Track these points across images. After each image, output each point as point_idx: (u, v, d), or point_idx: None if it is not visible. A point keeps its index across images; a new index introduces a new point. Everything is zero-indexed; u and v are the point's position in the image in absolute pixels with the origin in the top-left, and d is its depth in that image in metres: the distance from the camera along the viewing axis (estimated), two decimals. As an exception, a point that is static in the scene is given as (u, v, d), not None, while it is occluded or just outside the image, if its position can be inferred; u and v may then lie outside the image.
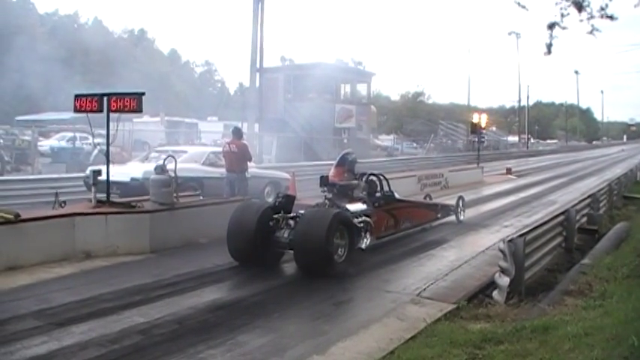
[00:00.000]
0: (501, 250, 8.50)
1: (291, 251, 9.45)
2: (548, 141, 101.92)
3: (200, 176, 14.92)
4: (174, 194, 11.65)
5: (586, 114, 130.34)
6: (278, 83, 37.10)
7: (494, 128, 77.89)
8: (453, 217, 15.06)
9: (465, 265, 10.34)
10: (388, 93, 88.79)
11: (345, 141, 36.67)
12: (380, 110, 63.19)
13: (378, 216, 11.28)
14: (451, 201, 15.71)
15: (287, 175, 17.90)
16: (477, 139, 33.31)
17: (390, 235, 11.97)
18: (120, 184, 13.35)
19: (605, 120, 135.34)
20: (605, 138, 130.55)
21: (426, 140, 53.60)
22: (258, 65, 28.77)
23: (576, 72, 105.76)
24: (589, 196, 15.70)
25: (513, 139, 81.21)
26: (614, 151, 75.61)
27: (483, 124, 32.80)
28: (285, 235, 9.67)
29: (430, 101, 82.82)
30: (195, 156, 15.68)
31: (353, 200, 11.05)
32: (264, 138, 29.87)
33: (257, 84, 29.42)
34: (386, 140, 54.63)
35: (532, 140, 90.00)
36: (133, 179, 13.98)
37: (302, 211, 9.90)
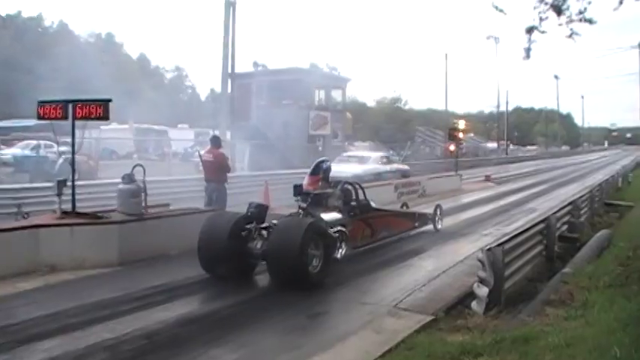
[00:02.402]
0: (480, 260, 8.54)
1: (265, 262, 9.45)
2: (529, 147, 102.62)
3: (380, 171, 26.84)
4: (143, 204, 11.54)
5: (567, 119, 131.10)
6: (251, 89, 37.11)
7: (472, 134, 78.33)
8: (430, 226, 15.19)
9: (443, 275, 10.38)
10: (364, 99, 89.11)
11: (320, 148, 36.75)
12: (355, 117, 63.24)
13: (353, 225, 11.35)
14: (429, 209, 15.83)
15: (407, 167, 28.82)
16: (455, 146, 33.49)
17: (366, 245, 12.04)
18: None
19: (586, 125, 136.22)
20: (586, 144, 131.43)
21: (402, 147, 53.85)
22: (229, 70, 28.73)
23: (556, 77, 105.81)
24: (570, 204, 15.83)
25: (492, 145, 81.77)
26: (595, 157, 76.47)
27: (461, 131, 33.08)
28: (258, 245, 9.66)
29: (407, 107, 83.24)
30: (377, 159, 28.95)
31: (328, 209, 11.11)
32: (237, 146, 29.76)
33: (229, 90, 29.34)
34: (362, 147, 54.77)
35: (512, 146, 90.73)
36: (354, 175, 20.38)
37: (275, 221, 9.92)
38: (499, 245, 8.74)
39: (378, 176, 25.96)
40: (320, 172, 11.76)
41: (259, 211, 10.10)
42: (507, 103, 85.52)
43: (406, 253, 12.44)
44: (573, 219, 15.07)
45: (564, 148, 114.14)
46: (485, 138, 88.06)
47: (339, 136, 41.33)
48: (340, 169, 22.02)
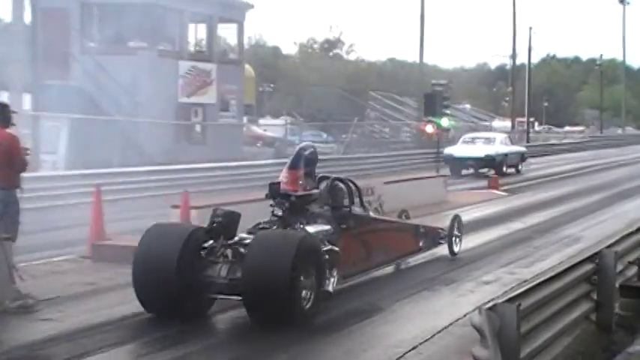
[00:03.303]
0: (477, 327, 8.52)
1: (233, 298, 11.38)
2: (568, 128, 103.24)
3: (506, 152, 43.91)
4: None
5: (638, 78, 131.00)
6: (68, 19, 36.55)
7: (468, 105, 79.10)
8: (441, 249, 16.86)
9: (412, 355, 10.40)
10: (277, 42, 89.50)
11: (198, 128, 36.55)
12: (262, 73, 63.27)
13: (346, 243, 13.13)
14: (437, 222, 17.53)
15: (524, 149, 50.01)
16: (433, 127, 33.81)
17: (359, 274, 13.91)
18: (476, 159, 41.87)
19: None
20: None
21: (345, 128, 54.02)
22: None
23: (622, 1, 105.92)
24: None
25: (503, 124, 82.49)
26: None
27: (446, 100, 33.44)
28: (223, 272, 11.36)
29: (353, 57, 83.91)
30: (503, 139, 46.22)
31: (312, 218, 12.97)
32: (44, 123, 29.28)
33: (26, 19, 28.81)
34: (273, 127, 54.68)
35: (537, 127, 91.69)
36: (487, 155, 40.99)
37: (243, 235, 11.91)
38: (511, 301, 8.73)
39: (504, 158, 43.14)
40: (301, 164, 13.21)
41: (228, 223, 11.83)
42: (530, 49, 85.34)
43: (348, 313, 12.48)
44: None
45: (629, 130, 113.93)
46: (491, 110, 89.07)
47: (231, 106, 41.20)
48: (469, 152, 42.85)
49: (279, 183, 12.94)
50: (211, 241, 11.61)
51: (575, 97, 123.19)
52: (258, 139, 50.38)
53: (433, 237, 16.89)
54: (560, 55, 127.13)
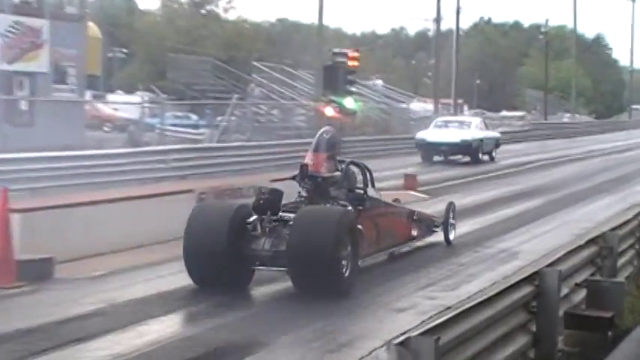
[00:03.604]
0: (385, 367, 8.51)
1: (275, 269, 15.61)
2: (505, 113, 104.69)
3: (482, 138, 53.60)
4: None
5: (594, 50, 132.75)
6: None
7: (379, 82, 79.60)
8: (434, 238, 20.64)
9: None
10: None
11: (24, 105, 36.24)
12: (113, 34, 62.91)
13: (361, 224, 16.92)
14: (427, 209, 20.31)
15: (498, 134, 59.76)
16: (335, 110, 33.98)
17: (372, 255, 17.96)
18: (451, 145, 51.66)
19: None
20: (637, 107, 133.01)
21: (221, 108, 53.93)
22: None
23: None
24: (592, 241, 15.98)
25: (424, 105, 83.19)
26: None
27: (351, 73, 33.62)
28: (267, 245, 15.50)
29: (233, 16, 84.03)
30: (478, 123, 56.77)
31: (333, 199, 17.15)
32: None
33: None
34: (126, 106, 54.29)
35: (467, 111, 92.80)
36: (463, 141, 51.28)
37: (282, 213, 15.89)
38: (428, 333, 8.72)
39: (481, 143, 52.11)
40: (323, 147, 17.58)
41: (274, 199, 16.00)
42: (458, 10, 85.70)
43: (220, 350, 12.64)
44: (601, 277, 15.27)
45: (580, 117, 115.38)
46: (410, 90, 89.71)
47: (69, 77, 40.88)
48: (443, 136, 51.65)
49: (307, 165, 17.19)
50: (255, 217, 15.69)
51: (514, 73, 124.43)
52: (105, 120, 50.26)
53: (428, 225, 21.44)
54: (496, 19, 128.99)
